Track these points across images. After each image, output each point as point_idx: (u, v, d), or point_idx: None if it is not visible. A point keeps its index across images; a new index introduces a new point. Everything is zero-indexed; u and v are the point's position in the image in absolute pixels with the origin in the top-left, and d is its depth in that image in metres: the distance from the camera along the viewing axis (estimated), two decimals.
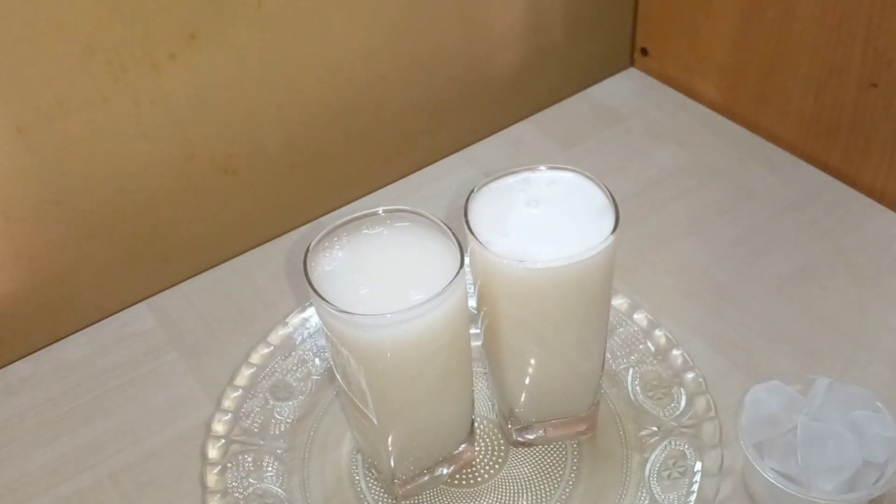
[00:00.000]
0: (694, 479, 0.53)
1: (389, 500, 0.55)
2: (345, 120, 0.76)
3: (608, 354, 0.60)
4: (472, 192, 0.50)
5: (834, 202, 0.73)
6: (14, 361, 0.66)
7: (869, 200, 0.73)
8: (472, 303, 0.52)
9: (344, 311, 0.44)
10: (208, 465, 0.56)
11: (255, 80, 0.69)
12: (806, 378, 0.54)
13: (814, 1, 0.71)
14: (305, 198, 0.76)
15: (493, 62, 0.83)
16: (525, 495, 0.55)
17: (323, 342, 0.63)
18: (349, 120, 0.76)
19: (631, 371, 0.60)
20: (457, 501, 0.55)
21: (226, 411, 0.59)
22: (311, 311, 0.65)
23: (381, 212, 0.50)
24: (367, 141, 0.78)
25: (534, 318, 0.50)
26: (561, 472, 0.56)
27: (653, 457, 0.55)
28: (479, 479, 0.56)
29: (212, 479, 0.55)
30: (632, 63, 0.92)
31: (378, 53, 0.75)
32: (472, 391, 0.54)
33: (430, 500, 0.55)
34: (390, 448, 0.52)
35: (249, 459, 0.57)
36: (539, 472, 0.56)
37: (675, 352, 0.60)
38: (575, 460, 0.56)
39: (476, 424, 0.57)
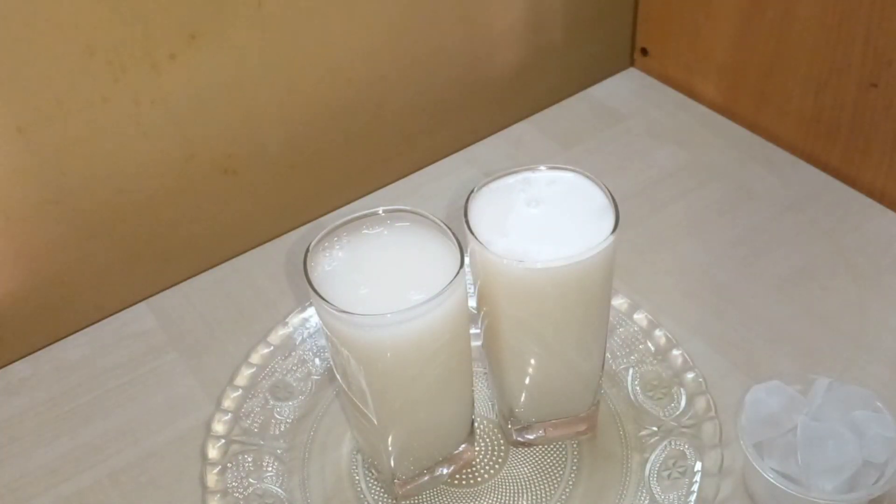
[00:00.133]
0: (694, 479, 0.53)
1: (389, 500, 0.55)
2: (345, 120, 0.76)
3: (608, 354, 0.60)
4: (472, 192, 0.50)
5: (834, 202, 0.73)
6: (14, 361, 0.66)
7: (869, 200, 0.73)
8: (472, 303, 0.52)
9: (344, 311, 0.44)
10: (208, 465, 0.56)
11: (255, 80, 0.69)
12: (806, 378, 0.54)
13: (814, 1, 0.71)
14: (305, 198, 0.76)
15: (493, 62, 0.83)
16: (525, 495, 0.55)
17: (323, 342, 0.63)
18: (349, 120, 0.76)
19: (631, 371, 0.60)
20: (457, 501, 0.55)
21: (226, 411, 0.59)
22: (311, 311, 0.65)
23: (381, 212, 0.50)
24: (367, 141, 0.78)
25: (534, 318, 0.50)
26: (561, 472, 0.56)
27: (653, 457, 0.55)
28: (479, 479, 0.56)
29: (212, 479, 0.55)
30: (632, 63, 0.92)
31: (378, 53, 0.75)
32: (472, 391, 0.54)
33: (430, 500, 0.55)
34: (390, 448, 0.52)
35: (249, 459, 0.57)
36: (539, 472, 0.56)
37: (675, 352, 0.60)
38: (575, 460, 0.56)
39: (476, 424, 0.57)
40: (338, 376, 0.51)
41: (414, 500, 0.55)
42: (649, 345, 0.61)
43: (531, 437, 0.57)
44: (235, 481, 0.55)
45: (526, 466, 0.56)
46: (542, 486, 0.55)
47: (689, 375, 0.59)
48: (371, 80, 0.75)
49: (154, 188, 0.68)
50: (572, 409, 0.56)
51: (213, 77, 0.66)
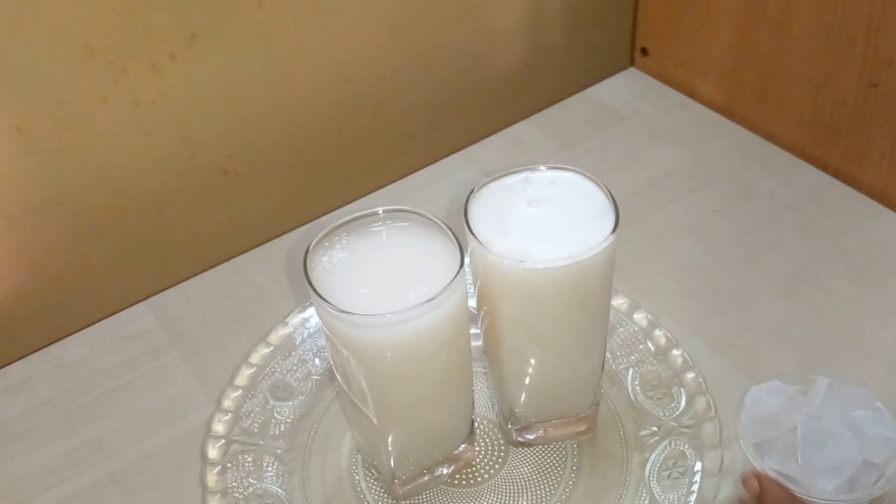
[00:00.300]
0: (694, 479, 0.53)
1: (389, 500, 0.55)
2: (345, 120, 0.76)
3: (608, 354, 0.60)
4: (472, 192, 0.50)
5: (834, 202, 0.73)
6: (14, 361, 0.66)
7: (869, 200, 0.73)
8: (472, 303, 0.52)
9: (344, 311, 0.44)
10: (208, 465, 0.56)
11: (255, 80, 0.69)
12: (806, 378, 0.54)
13: (814, 1, 0.71)
14: (305, 198, 0.76)
15: (493, 62, 0.83)
16: (525, 495, 0.55)
17: (323, 342, 0.63)
18: (349, 120, 0.76)
19: (631, 371, 0.60)
20: (457, 501, 0.55)
21: (226, 411, 0.59)
22: (311, 311, 0.65)
23: (381, 212, 0.50)
24: (367, 141, 0.78)
25: (534, 318, 0.50)
26: (561, 472, 0.56)
27: (653, 457, 0.55)
28: (479, 479, 0.56)
29: (212, 479, 0.55)
30: (632, 63, 0.92)
31: (378, 53, 0.75)
32: (472, 391, 0.54)
33: (430, 500, 0.55)
34: (390, 448, 0.52)
35: (249, 459, 0.57)
36: (539, 472, 0.56)
37: (675, 352, 0.60)
38: (575, 460, 0.56)
39: (476, 424, 0.57)
40: (338, 376, 0.51)
41: (414, 500, 0.55)
42: (649, 345, 0.61)
43: (531, 437, 0.57)
44: (235, 481, 0.55)
45: (526, 466, 0.56)
46: (542, 486, 0.55)
47: (689, 375, 0.59)
48: (371, 79, 0.75)
49: (154, 188, 0.68)
50: (572, 409, 0.56)
51: (213, 77, 0.66)
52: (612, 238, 0.47)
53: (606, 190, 0.49)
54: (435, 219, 0.49)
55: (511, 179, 0.51)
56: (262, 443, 0.58)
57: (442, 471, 0.55)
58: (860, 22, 0.68)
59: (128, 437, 0.60)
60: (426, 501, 0.55)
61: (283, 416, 0.60)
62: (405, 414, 0.51)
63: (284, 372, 0.62)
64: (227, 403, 0.59)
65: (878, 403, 0.53)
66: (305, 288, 0.46)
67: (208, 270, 0.72)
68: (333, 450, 0.58)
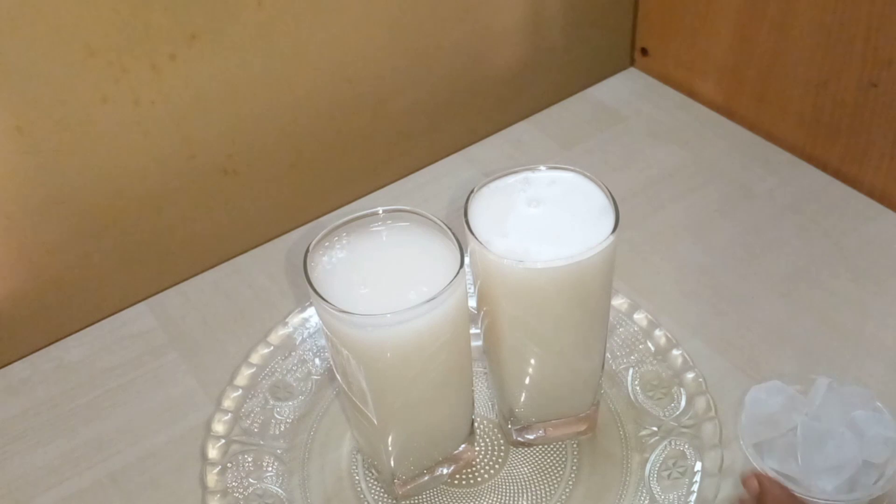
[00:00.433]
0: (694, 479, 0.53)
1: (389, 500, 0.55)
2: (345, 120, 0.76)
3: (608, 354, 0.60)
4: (472, 192, 0.50)
5: (834, 202, 0.73)
6: (14, 361, 0.66)
7: (869, 200, 0.73)
8: (472, 303, 0.52)
9: (344, 311, 0.44)
10: (208, 465, 0.56)
11: (255, 80, 0.69)
12: (806, 378, 0.54)
13: (814, 1, 0.71)
14: (305, 198, 0.76)
15: (493, 62, 0.83)
16: (525, 495, 0.55)
17: (323, 342, 0.63)
18: (349, 120, 0.76)
19: (631, 371, 0.60)
20: (457, 501, 0.55)
21: (226, 411, 0.59)
22: (311, 311, 0.65)
23: (381, 212, 0.50)
24: (367, 141, 0.78)
25: (534, 318, 0.50)
26: (561, 472, 0.56)
27: (653, 457, 0.55)
28: (479, 479, 0.56)
29: (212, 479, 0.55)
30: (632, 63, 0.92)
31: (378, 53, 0.75)
32: (472, 391, 0.54)
33: (430, 500, 0.55)
34: (390, 448, 0.52)
35: (249, 459, 0.57)
36: (539, 472, 0.56)
37: (675, 352, 0.60)
38: (575, 460, 0.56)
39: (476, 424, 0.57)
40: (338, 376, 0.51)
41: (414, 500, 0.55)
42: (649, 345, 0.61)
43: (531, 437, 0.57)
44: (235, 481, 0.55)
45: (526, 466, 0.56)
46: (542, 486, 0.55)
47: (689, 375, 0.59)
48: (371, 79, 0.75)
49: (154, 188, 0.68)
50: (572, 409, 0.56)
51: (213, 77, 0.66)
52: (612, 238, 0.47)
53: (606, 190, 0.49)
54: (435, 219, 0.49)
55: (511, 179, 0.51)
56: (262, 443, 0.58)
57: (442, 471, 0.55)
58: (860, 22, 0.68)
59: (128, 437, 0.60)
60: (426, 501, 0.55)
61: (283, 416, 0.60)
62: (405, 414, 0.51)
63: (284, 372, 0.62)
64: (227, 403, 0.59)
65: (878, 403, 0.53)
66: (305, 288, 0.46)
67: (208, 270, 0.72)
68: (333, 450, 0.58)
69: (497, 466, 0.56)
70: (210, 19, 0.64)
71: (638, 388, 0.59)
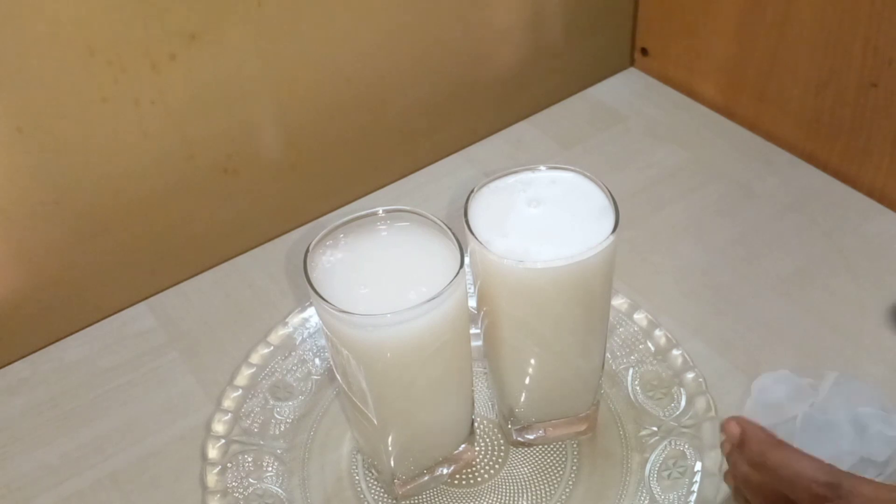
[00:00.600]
0: (694, 479, 0.53)
1: (389, 500, 0.55)
2: (345, 120, 0.76)
3: (608, 354, 0.60)
4: (472, 192, 0.50)
5: (834, 202, 0.73)
6: (14, 361, 0.66)
7: (869, 200, 0.73)
8: (472, 303, 0.52)
9: (344, 311, 0.44)
10: (208, 465, 0.56)
11: (254, 80, 0.69)
12: (818, 372, 0.55)
13: (814, 1, 0.71)
14: (305, 198, 0.76)
15: (493, 62, 0.83)
16: (525, 495, 0.55)
17: (323, 342, 0.63)
18: (349, 120, 0.76)
19: (631, 371, 0.60)
20: (457, 501, 0.55)
21: (226, 411, 0.59)
22: (311, 311, 0.65)
23: (381, 212, 0.50)
24: (367, 141, 0.78)
25: (534, 318, 0.50)
26: (561, 472, 0.56)
27: (653, 457, 0.55)
28: (479, 479, 0.56)
29: (212, 479, 0.55)
30: (632, 63, 0.92)
31: (378, 53, 0.75)
32: (472, 391, 0.54)
33: (430, 500, 0.55)
34: (390, 448, 0.52)
35: (249, 459, 0.57)
36: (539, 472, 0.56)
37: (675, 352, 0.60)
38: (575, 460, 0.56)
39: (476, 424, 0.57)
40: (338, 376, 0.51)
41: (414, 500, 0.55)
42: (649, 345, 0.61)
43: (531, 437, 0.57)
44: (235, 481, 0.55)
45: (526, 466, 0.56)
46: (542, 486, 0.55)
47: (689, 375, 0.59)
48: (371, 79, 0.75)
49: (154, 188, 0.68)
50: (572, 409, 0.56)
51: (213, 77, 0.66)
52: (612, 238, 0.47)
53: (606, 190, 0.49)
54: (435, 219, 0.49)
55: (511, 179, 0.51)
56: (262, 443, 0.58)
57: (442, 471, 0.55)
58: (860, 22, 0.68)
59: (128, 437, 0.60)
60: (426, 501, 0.55)
61: (283, 416, 0.60)
62: (405, 414, 0.51)
63: (284, 372, 0.62)
64: (227, 403, 0.59)
65: (888, 402, 0.52)
66: (305, 288, 0.46)
67: (208, 270, 0.72)
68: (333, 450, 0.58)
69: (497, 466, 0.56)
70: (210, 19, 0.64)
71: (638, 388, 0.59)
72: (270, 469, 0.56)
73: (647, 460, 0.55)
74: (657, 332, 0.62)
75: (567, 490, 0.55)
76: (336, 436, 0.59)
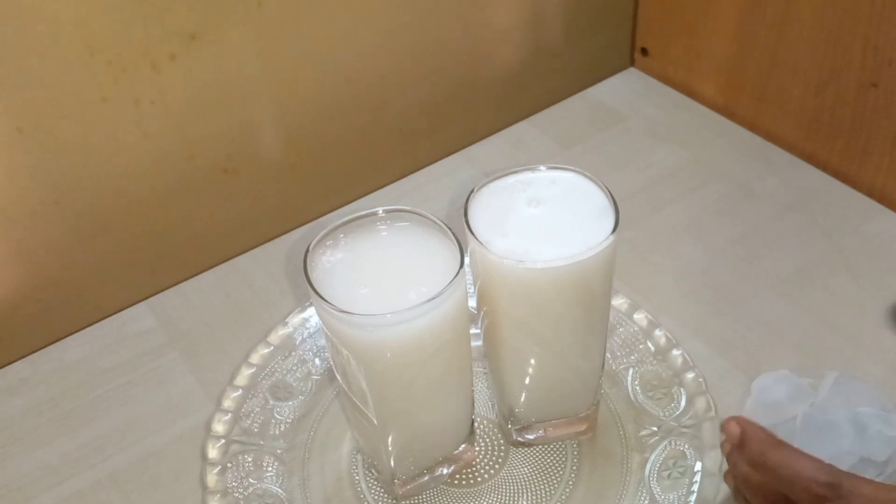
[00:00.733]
0: (694, 479, 0.53)
1: (389, 500, 0.55)
2: (345, 120, 0.76)
3: (608, 354, 0.60)
4: (472, 192, 0.50)
5: (834, 202, 0.73)
6: (14, 361, 0.66)
7: (869, 200, 0.73)
8: (472, 303, 0.52)
9: (344, 311, 0.44)
10: (208, 465, 0.56)
11: (254, 80, 0.69)
12: (818, 371, 0.55)
13: (814, 1, 0.71)
14: (305, 198, 0.76)
15: (493, 62, 0.83)
16: (525, 495, 0.55)
17: (323, 342, 0.63)
18: (349, 120, 0.76)
19: (631, 371, 0.60)
20: (457, 501, 0.55)
21: (226, 411, 0.59)
22: (311, 311, 0.65)
23: (381, 212, 0.50)
24: (367, 141, 0.78)
25: (534, 318, 0.50)
26: (561, 472, 0.56)
27: (653, 457, 0.55)
28: (479, 479, 0.56)
29: (212, 479, 0.55)
30: (632, 63, 0.92)
31: (378, 53, 0.75)
32: (472, 391, 0.54)
33: (430, 500, 0.55)
34: (390, 448, 0.52)
35: (249, 459, 0.57)
36: (539, 472, 0.56)
37: (675, 352, 0.60)
38: (575, 460, 0.56)
39: (476, 424, 0.57)
40: (338, 376, 0.51)
41: (414, 500, 0.55)
42: (649, 345, 0.61)
43: (531, 437, 0.57)
44: (235, 481, 0.55)
45: (526, 466, 0.56)
46: (542, 486, 0.55)
47: (689, 375, 0.59)
48: (371, 79, 0.75)
49: (154, 188, 0.68)
50: (572, 409, 0.56)
51: (213, 77, 0.66)
52: (612, 238, 0.47)
53: (606, 190, 0.49)
54: (435, 219, 0.49)
55: (511, 179, 0.51)
56: (262, 443, 0.58)
57: (442, 471, 0.55)
58: (860, 22, 0.68)
59: (128, 437, 0.60)
60: (426, 501, 0.55)
61: (283, 416, 0.60)
62: (405, 414, 0.51)
63: (284, 372, 0.62)
64: (227, 403, 0.59)
65: (888, 402, 0.52)
66: (305, 288, 0.46)
67: (208, 270, 0.72)
68: (333, 450, 0.58)
69: (497, 466, 0.56)
70: (210, 19, 0.64)
71: (638, 388, 0.59)
72: (270, 469, 0.56)
73: (647, 460, 0.55)
74: (657, 332, 0.62)
75: (567, 490, 0.55)
76: (336, 436, 0.59)
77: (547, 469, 0.56)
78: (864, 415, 0.51)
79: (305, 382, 0.62)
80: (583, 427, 0.57)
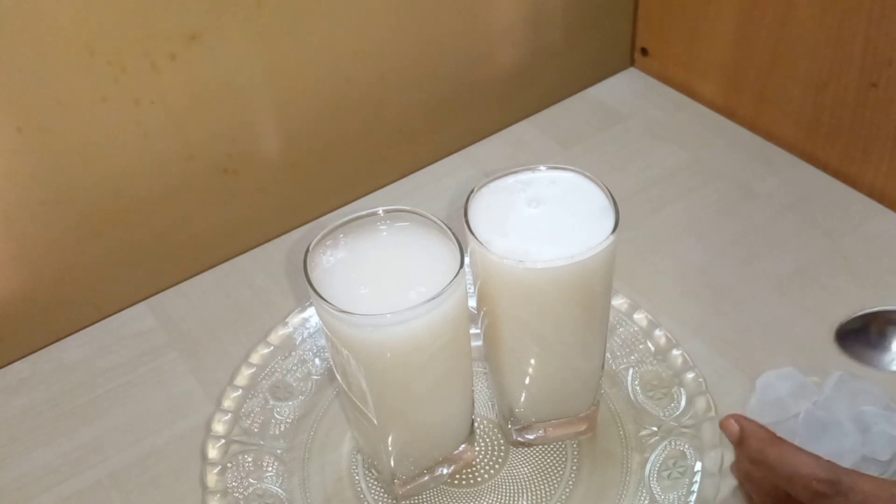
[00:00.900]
0: (694, 479, 0.53)
1: (389, 500, 0.55)
2: (345, 120, 0.76)
3: (608, 354, 0.60)
4: (472, 192, 0.50)
5: (834, 202, 0.73)
6: (14, 361, 0.66)
7: (869, 200, 0.73)
8: (472, 303, 0.52)
9: (344, 311, 0.44)
10: (208, 465, 0.56)
11: (254, 80, 0.69)
12: (822, 370, 0.55)
13: (814, 1, 0.71)
14: (305, 198, 0.76)
15: (493, 62, 0.83)
16: (525, 495, 0.55)
17: (323, 342, 0.63)
18: (349, 120, 0.76)
19: (631, 371, 0.60)
20: (457, 501, 0.55)
21: (226, 411, 0.59)
22: (311, 311, 0.65)
23: (381, 212, 0.50)
24: (367, 141, 0.78)
25: (534, 318, 0.50)
26: (561, 472, 0.56)
27: (653, 457, 0.55)
28: (479, 479, 0.56)
29: (212, 479, 0.55)
30: (632, 63, 0.92)
31: (378, 53, 0.75)
32: (472, 391, 0.54)
33: (430, 500, 0.55)
34: (390, 448, 0.52)
35: (249, 459, 0.57)
36: (539, 472, 0.56)
37: (675, 352, 0.60)
38: (575, 460, 0.56)
39: (476, 424, 0.57)
40: (338, 376, 0.51)
41: (414, 500, 0.55)
42: (649, 345, 0.61)
43: (531, 437, 0.57)
44: (235, 481, 0.55)
45: (526, 466, 0.56)
46: (542, 486, 0.55)
47: (689, 375, 0.59)
48: (371, 79, 0.75)
49: (154, 188, 0.68)
50: (572, 409, 0.56)
51: (213, 77, 0.66)
52: (612, 238, 0.47)
53: (606, 190, 0.49)
54: (435, 219, 0.49)
55: (511, 179, 0.51)
56: (262, 443, 0.58)
57: (442, 471, 0.55)
58: (860, 22, 0.68)
59: (128, 437, 0.60)
60: (426, 501, 0.55)
61: (283, 416, 0.60)
62: (405, 414, 0.51)
63: (284, 372, 0.62)
64: (227, 403, 0.59)
65: (893, 402, 0.52)
66: (305, 288, 0.46)
67: (208, 270, 0.72)
68: (333, 450, 0.58)
69: (497, 466, 0.56)
70: (210, 19, 0.64)
71: (638, 388, 0.59)
72: (270, 469, 0.56)
73: (647, 460, 0.55)
74: (657, 332, 0.62)
75: (567, 490, 0.55)
76: (336, 436, 0.59)
77: (547, 469, 0.56)
78: (868, 414, 0.51)
79: (305, 382, 0.62)
80: (583, 427, 0.57)
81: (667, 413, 0.57)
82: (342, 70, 0.73)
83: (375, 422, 0.50)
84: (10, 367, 0.65)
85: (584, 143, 0.81)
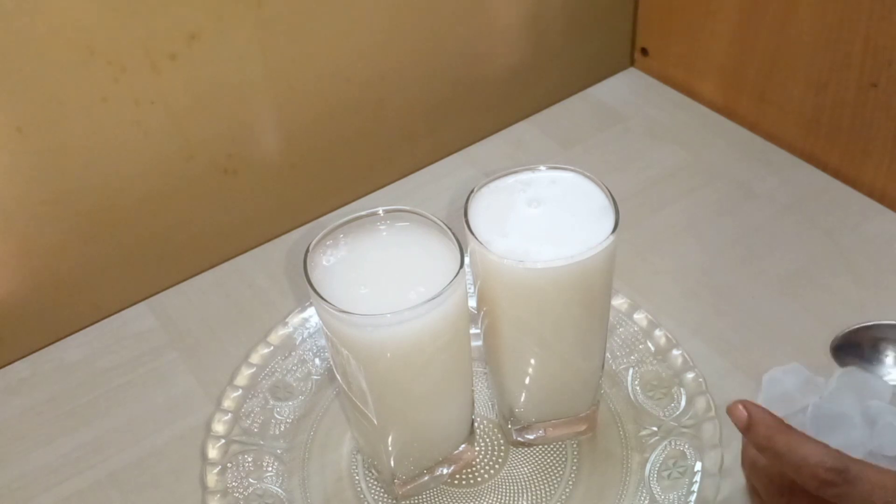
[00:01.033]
0: (694, 479, 0.53)
1: (389, 500, 0.55)
2: (345, 120, 0.76)
3: (608, 354, 0.60)
4: (472, 192, 0.50)
5: (834, 202, 0.73)
6: (14, 361, 0.66)
7: (869, 200, 0.73)
8: (472, 303, 0.52)
9: (343, 311, 0.44)
10: (208, 465, 0.56)
11: (254, 80, 0.69)
12: (826, 369, 0.55)
13: (814, 1, 0.71)
14: (305, 198, 0.76)
15: (493, 62, 0.83)
16: (525, 495, 0.55)
17: (323, 342, 0.63)
18: (349, 120, 0.76)
19: (631, 371, 0.60)
20: (457, 501, 0.55)
21: (226, 411, 0.59)
22: (311, 311, 0.65)
23: (381, 212, 0.50)
24: (367, 141, 0.78)
25: (534, 318, 0.50)
26: (561, 472, 0.56)
27: (653, 457, 0.55)
28: (479, 479, 0.56)
29: (212, 479, 0.55)
30: (632, 63, 0.92)
31: (378, 53, 0.75)
32: (472, 391, 0.54)
33: (430, 500, 0.55)
34: (390, 448, 0.52)
35: (249, 459, 0.57)
36: (539, 472, 0.56)
37: (675, 352, 0.60)
38: (575, 460, 0.56)
39: (476, 424, 0.57)
40: (338, 376, 0.51)
41: (414, 500, 0.55)
42: (649, 345, 0.61)
43: (531, 437, 0.57)
44: (235, 481, 0.55)
45: (526, 466, 0.56)
46: (542, 486, 0.55)
47: (689, 375, 0.59)
48: (371, 79, 0.75)
49: (154, 188, 0.68)
50: (572, 409, 0.56)
51: (213, 77, 0.66)
52: (612, 238, 0.47)
53: (606, 190, 0.49)
54: (435, 219, 0.49)
55: (511, 179, 0.51)
56: (262, 443, 0.58)
57: (442, 471, 0.55)
58: (860, 22, 0.68)
59: (128, 437, 0.60)
60: (426, 501, 0.55)
61: (283, 416, 0.60)
62: (405, 414, 0.51)
63: (284, 372, 0.62)
64: (227, 403, 0.59)
65: None
66: (305, 288, 0.46)
67: (208, 270, 0.72)
68: (333, 450, 0.58)
69: (497, 466, 0.56)
70: (210, 19, 0.64)
71: (638, 388, 0.59)
72: (270, 469, 0.56)
73: (647, 460, 0.55)
74: (657, 332, 0.62)
75: (567, 490, 0.55)
76: (336, 436, 0.59)
77: (547, 469, 0.56)
78: (874, 408, 0.51)
79: (305, 382, 0.62)
80: (583, 427, 0.57)
81: (667, 413, 0.57)
82: (342, 70, 0.73)
83: (375, 422, 0.50)
84: (10, 367, 0.65)
85: (584, 143, 0.81)
